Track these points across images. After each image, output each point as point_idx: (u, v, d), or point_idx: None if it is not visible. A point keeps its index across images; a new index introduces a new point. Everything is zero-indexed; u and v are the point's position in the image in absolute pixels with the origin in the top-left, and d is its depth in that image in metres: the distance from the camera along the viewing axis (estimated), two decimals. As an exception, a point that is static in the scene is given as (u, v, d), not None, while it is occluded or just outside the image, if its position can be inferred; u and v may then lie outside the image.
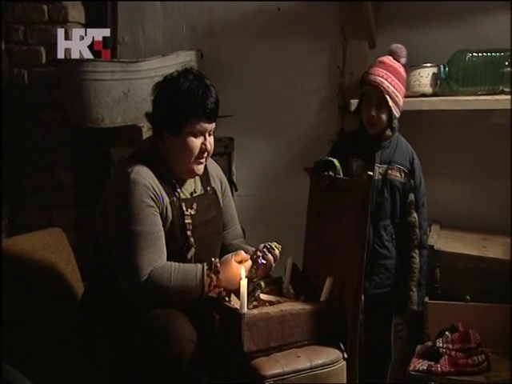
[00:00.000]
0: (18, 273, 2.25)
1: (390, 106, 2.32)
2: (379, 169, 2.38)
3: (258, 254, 2.02)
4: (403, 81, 2.38)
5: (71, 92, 2.80)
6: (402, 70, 2.39)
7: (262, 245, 2.05)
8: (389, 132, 2.39)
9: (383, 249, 2.39)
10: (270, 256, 2.02)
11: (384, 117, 2.34)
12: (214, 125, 2.05)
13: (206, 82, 2.03)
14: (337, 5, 2.94)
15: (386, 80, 2.32)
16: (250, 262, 2.00)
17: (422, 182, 2.43)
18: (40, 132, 3.07)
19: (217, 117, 2.06)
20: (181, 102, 1.97)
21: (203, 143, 2.02)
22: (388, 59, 2.38)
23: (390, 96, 2.31)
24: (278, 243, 2.05)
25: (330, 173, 2.18)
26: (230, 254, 2.01)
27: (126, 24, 3.26)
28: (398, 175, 2.38)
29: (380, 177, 2.38)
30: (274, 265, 2.05)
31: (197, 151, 2.02)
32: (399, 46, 2.42)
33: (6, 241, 2.52)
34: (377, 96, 2.33)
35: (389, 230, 2.39)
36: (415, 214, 2.39)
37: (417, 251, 2.39)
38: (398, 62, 2.39)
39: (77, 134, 3.05)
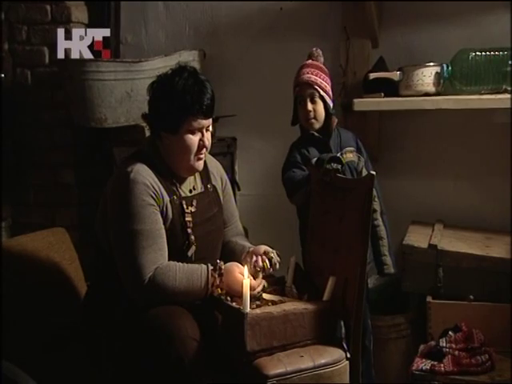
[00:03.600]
0: (22, 272, 2.26)
1: (322, 96, 2.41)
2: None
3: (259, 262, 2.03)
4: (326, 73, 2.48)
5: (74, 92, 2.80)
6: (322, 65, 2.49)
7: (262, 250, 2.07)
8: (332, 119, 2.46)
9: None
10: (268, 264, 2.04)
11: (321, 108, 2.43)
12: (210, 120, 2.05)
13: (200, 78, 2.02)
14: (339, 4, 2.93)
15: (312, 74, 2.43)
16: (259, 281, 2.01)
17: (367, 157, 2.53)
18: (43, 132, 3.08)
19: (213, 112, 2.06)
20: (177, 101, 1.97)
21: (201, 139, 2.02)
22: (308, 61, 2.49)
23: (319, 87, 2.41)
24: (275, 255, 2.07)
25: (337, 166, 2.19)
26: (235, 264, 2.00)
27: (129, 24, 3.26)
28: (352, 156, 2.47)
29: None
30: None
31: (195, 148, 2.02)
32: (314, 48, 2.53)
33: (9, 240, 2.53)
34: (308, 92, 2.42)
35: None
36: None
37: (380, 218, 2.48)
38: (317, 61, 2.50)
39: (80, 133, 3.05)
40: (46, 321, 2.21)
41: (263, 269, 2.03)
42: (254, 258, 2.05)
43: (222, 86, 3.04)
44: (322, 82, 2.43)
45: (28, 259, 2.29)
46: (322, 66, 2.49)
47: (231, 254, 2.17)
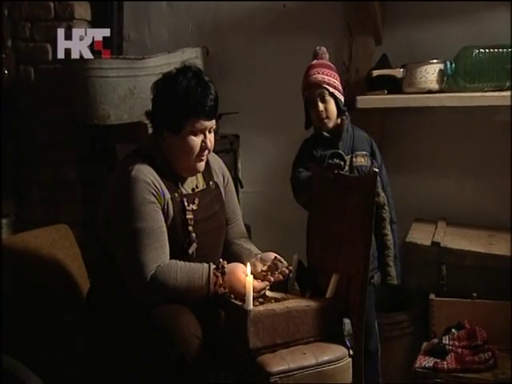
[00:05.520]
0: (25, 269, 2.26)
1: (333, 93, 2.37)
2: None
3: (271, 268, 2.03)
4: (334, 69, 2.44)
5: (77, 89, 2.79)
6: (328, 62, 2.46)
7: (273, 257, 2.05)
8: (343, 119, 2.42)
9: None
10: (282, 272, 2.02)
11: (333, 106, 2.39)
12: (213, 122, 2.04)
13: (204, 79, 2.01)
14: (342, 2, 2.93)
15: (319, 74, 2.39)
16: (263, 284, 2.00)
17: (382, 162, 2.47)
18: (46, 129, 3.08)
19: (216, 114, 2.05)
20: (180, 101, 1.96)
21: (203, 141, 2.02)
22: (313, 62, 2.46)
23: (328, 84, 2.37)
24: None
25: (339, 162, 2.19)
26: (239, 264, 1.99)
27: (132, 21, 3.26)
28: (363, 160, 2.40)
29: (347, 167, 2.37)
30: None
31: (197, 150, 2.01)
32: (318, 47, 2.49)
33: (12, 237, 2.53)
34: (317, 92, 2.38)
35: None
36: (383, 194, 2.41)
37: (389, 227, 2.41)
38: (323, 59, 2.47)
39: (82, 131, 3.05)
40: (49, 318, 2.21)
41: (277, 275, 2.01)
42: (265, 265, 2.04)
43: (224, 83, 3.03)
44: (331, 79, 2.39)
45: (31, 256, 2.30)
46: (328, 63, 2.45)
47: (236, 257, 2.15)
